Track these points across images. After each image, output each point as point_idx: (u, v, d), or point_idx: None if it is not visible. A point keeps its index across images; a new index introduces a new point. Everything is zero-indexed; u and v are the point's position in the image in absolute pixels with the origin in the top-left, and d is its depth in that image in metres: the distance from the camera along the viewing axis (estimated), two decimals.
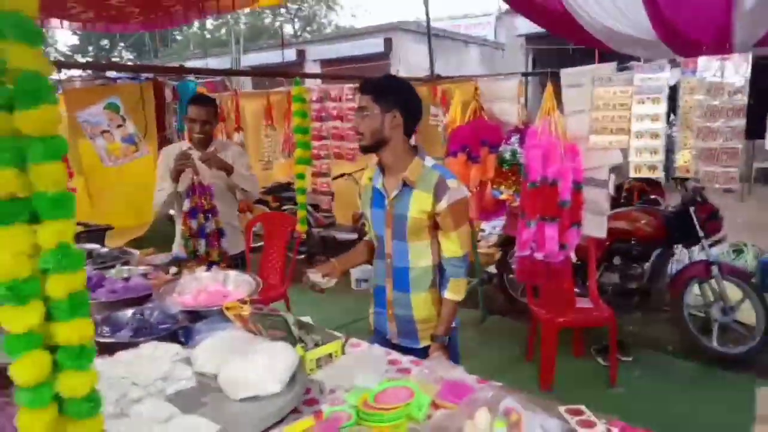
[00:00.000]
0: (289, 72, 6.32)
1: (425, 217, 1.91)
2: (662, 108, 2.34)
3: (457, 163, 3.16)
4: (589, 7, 3.21)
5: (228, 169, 2.76)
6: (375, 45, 15.05)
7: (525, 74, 3.67)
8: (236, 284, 2.32)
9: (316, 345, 1.85)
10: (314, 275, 2.05)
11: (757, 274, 4.58)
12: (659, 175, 2.36)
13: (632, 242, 3.98)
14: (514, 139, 3.47)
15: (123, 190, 4.13)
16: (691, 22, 2.94)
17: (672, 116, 2.35)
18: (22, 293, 0.89)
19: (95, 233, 3.92)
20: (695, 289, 3.80)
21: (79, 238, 3.36)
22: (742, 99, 2.15)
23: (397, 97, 1.90)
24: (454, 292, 1.96)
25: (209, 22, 23.22)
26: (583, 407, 1.53)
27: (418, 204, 1.90)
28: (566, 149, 2.64)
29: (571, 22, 3.42)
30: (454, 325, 2.05)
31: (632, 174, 2.44)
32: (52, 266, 0.90)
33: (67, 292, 0.92)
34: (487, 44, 17.05)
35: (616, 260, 4.05)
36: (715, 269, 3.63)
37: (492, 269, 5.01)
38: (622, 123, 2.43)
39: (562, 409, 1.51)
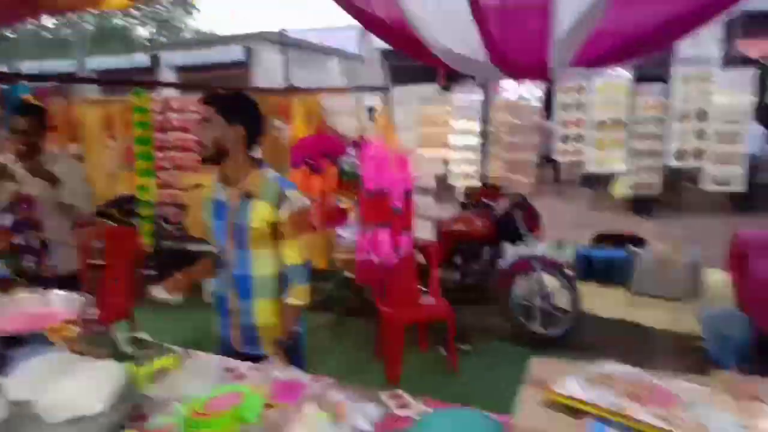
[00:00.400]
0: (144, 80, 5.99)
1: (266, 226, 1.97)
2: (475, 125, 2.67)
3: (301, 174, 3.29)
4: (432, 29, 3.47)
5: (53, 180, 2.60)
6: (235, 53, 14.71)
7: (359, 89, 3.88)
8: (63, 304, 2.20)
9: (151, 360, 1.85)
10: (158, 291, 2.05)
11: (572, 264, 5.29)
12: (474, 183, 2.69)
13: (469, 243, 4.40)
14: (353, 151, 3.68)
15: None
16: (516, 48, 3.33)
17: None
18: None
19: None
20: (521, 281, 4.30)
21: None
22: (537, 119, 2.54)
23: (241, 111, 1.98)
24: (296, 297, 2.04)
25: (50, 21, 20.96)
26: (401, 392, 1.72)
27: (259, 214, 1.96)
28: (397, 160, 2.91)
29: (417, 42, 3.67)
30: (299, 330, 2.14)
31: (452, 182, 2.76)
32: None
33: None
34: (348, 57, 17.39)
35: (456, 259, 4.46)
36: (536, 263, 4.16)
37: (348, 273, 5.20)
38: (444, 138, 2.73)
39: (382, 395, 1.68)
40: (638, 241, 5.65)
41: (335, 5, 2.62)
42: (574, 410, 1.23)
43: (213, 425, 1.43)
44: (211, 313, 2.23)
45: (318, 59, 16.26)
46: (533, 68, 3.17)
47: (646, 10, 2.76)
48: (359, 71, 16.99)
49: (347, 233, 5.92)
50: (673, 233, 6.24)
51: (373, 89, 4.43)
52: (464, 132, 2.70)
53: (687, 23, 2.93)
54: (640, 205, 8.70)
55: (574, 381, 1.30)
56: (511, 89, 2.63)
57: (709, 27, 3.24)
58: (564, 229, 6.52)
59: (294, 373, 1.79)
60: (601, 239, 5.88)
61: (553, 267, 4.25)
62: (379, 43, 15.18)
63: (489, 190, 4.66)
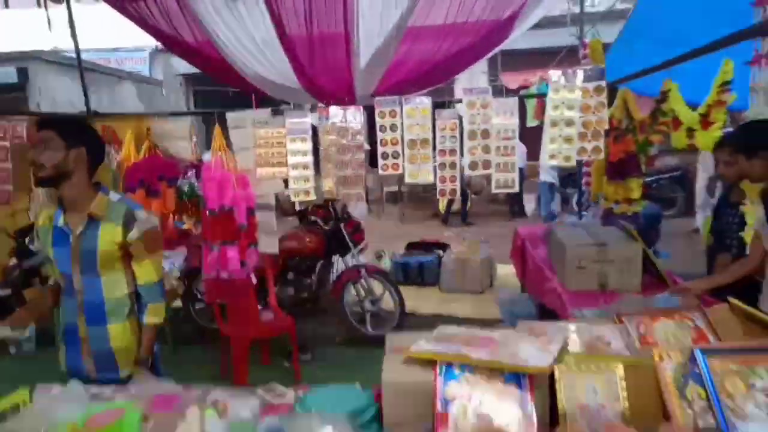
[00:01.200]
0: None
1: (116, 248, 1.98)
2: (308, 145, 2.96)
3: (137, 198, 3.21)
4: (243, 57, 3.63)
5: None
6: (6, 75, 12.85)
7: (192, 113, 3.87)
8: None
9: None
10: (2, 330, 1.94)
11: (392, 271, 5.88)
12: (312, 197, 2.98)
13: (301, 258, 4.66)
14: (191, 173, 3.69)
15: None
16: (325, 77, 3.67)
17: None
18: None
19: None
20: (351, 289, 4.68)
21: None
22: (361, 138, 2.92)
23: (82, 134, 1.98)
24: (154, 315, 2.08)
25: None
26: (276, 384, 1.90)
27: (108, 236, 1.96)
28: (238, 180, 3.05)
29: (229, 69, 3.79)
30: (155, 349, 2.16)
31: (292, 198, 3.01)
32: None
33: None
34: (145, 81, 16.40)
35: (290, 275, 4.67)
36: (363, 271, 4.57)
37: (177, 303, 5.04)
38: (281, 157, 2.97)
39: (258, 390, 1.84)
40: (442, 247, 6.49)
41: (118, 25, 2.65)
42: (427, 362, 1.55)
43: None
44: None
45: (110, 82, 15.05)
46: (341, 95, 3.55)
47: (433, 47, 3.35)
48: (157, 95, 16.17)
49: (168, 264, 5.73)
50: (467, 237, 7.26)
51: (192, 114, 4.43)
52: (298, 152, 2.96)
53: (465, 58, 3.63)
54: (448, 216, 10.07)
55: (423, 341, 1.64)
56: (337, 113, 2.98)
57: (479, 62, 4.02)
58: (380, 242, 7.16)
59: (167, 387, 1.85)
60: (413, 247, 6.64)
61: (378, 274, 4.71)
62: (179, 69, 14.72)
63: (316, 207, 4.98)
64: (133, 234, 1.99)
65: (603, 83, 2.90)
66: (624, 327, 1.97)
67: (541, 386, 1.46)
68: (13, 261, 4.70)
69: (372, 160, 3.27)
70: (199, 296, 4.77)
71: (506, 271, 5.95)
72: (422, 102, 2.96)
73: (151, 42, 17.09)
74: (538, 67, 9.98)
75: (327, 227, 4.87)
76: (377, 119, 2.95)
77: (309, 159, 2.94)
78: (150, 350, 2.09)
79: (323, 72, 3.51)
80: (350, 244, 4.66)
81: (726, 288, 2.39)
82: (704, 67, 2.92)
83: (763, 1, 2.26)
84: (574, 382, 1.48)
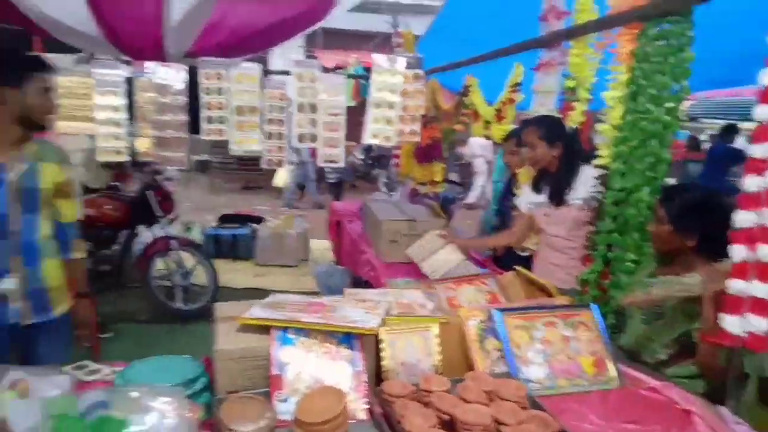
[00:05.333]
0: None
1: (54, 187, 2.00)
2: (122, 100, 2.68)
3: None
4: None
5: None
6: None
7: None
8: None
9: None
10: None
11: (204, 243, 5.63)
12: (124, 158, 2.71)
13: (100, 227, 4.19)
14: None
15: None
16: (131, 30, 3.33)
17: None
18: None
19: None
20: (159, 262, 4.37)
21: None
22: (183, 99, 2.74)
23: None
24: (79, 249, 2.17)
25: None
26: (87, 361, 1.75)
27: (49, 176, 1.98)
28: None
29: (10, 7, 3.21)
30: (66, 310, 2.12)
31: (100, 158, 2.69)
32: None
33: None
34: None
35: (87, 245, 4.16)
36: (174, 243, 4.30)
37: None
38: (87, 111, 2.63)
39: (67, 368, 1.67)
40: (257, 219, 6.40)
41: None
42: (261, 328, 1.57)
43: None
44: None
45: None
46: (149, 50, 3.28)
47: (253, 11, 3.26)
48: None
49: None
50: (279, 210, 7.29)
51: None
52: (108, 107, 2.65)
53: (286, 28, 3.61)
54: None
55: (257, 308, 1.66)
56: (156, 70, 2.73)
57: (297, 37, 4.03)
58: (189, 213, 6.78)
59: None
60: (226, 219, 6.41)
61: (189, 246, 4.48)
62: None
63: (118, 171, 4.52)
64: (68, 173, 2.05)
65: (421, 72, 3.15)
66: (434, 292, 2.23)
67: (368, 346, 1.59)
68: None
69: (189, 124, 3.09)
70: None
71: (318, 245, 6.13)
72: (251, 68, 2.88)
73: None
74: (353, 49, 10.28)
75: (132, 194, 4.46)
76: (202, 80, 2.79)
77: (121, 116, 2.65)
78: (84, 277, 2.19)
79: (127, 22, 3.20)
80: (158, 213, 4.33)
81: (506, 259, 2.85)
82: (500, 69, 3.36)
83: (546, 17, 2.69)
84: (396, 341, 1.65)
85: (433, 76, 4.35)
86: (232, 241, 5.92)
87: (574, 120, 2.49)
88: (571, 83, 2.50)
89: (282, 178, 8.97)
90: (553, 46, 2.60)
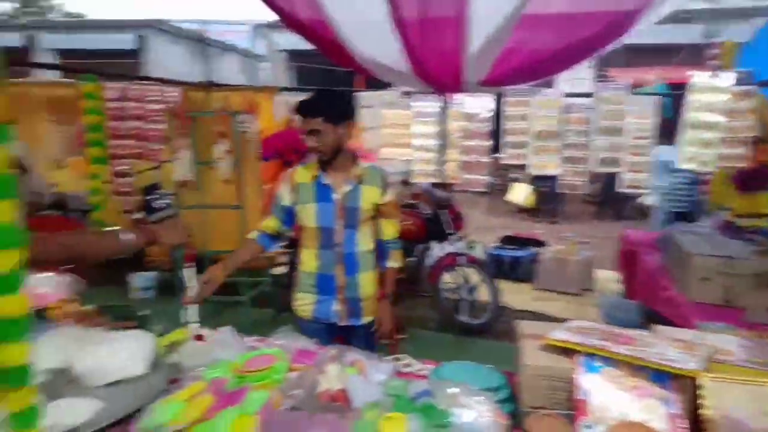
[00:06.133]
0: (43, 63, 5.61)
1: (372, 207, 2.25)
2: (434, 129, 3.02)
3: (273, 167, 3.42)
4: (354, 36, 3.66)
5: (22, 169, 2.53)
6: (125, 41, 13.88)
7: (324, 91, 3.92)
8: (51, 286, 2.19)
9: (162, 334, 1.95)
10: (193, 287, 2.02)
11: (484, 263, 5.84)
12: (433, 181, 3.04)
13: (400, 240, 4.74)
14: None
15: None
16: (433, 61, 3.64)
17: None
18: None
19: None
20: (447, 276, 4.72)
21: None
22: (488, 126, 2.94)
23: (345, 108, 2.22)
24: (394, 260, 2.39)
25: None
26: (403, 355, 2.00)
27: (369, 197, 2.24)
28: (364, 158, 3.16)
29: (339, 48, 3.82)
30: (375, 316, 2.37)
31: (414, 180, 3.09)
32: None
33: (8, 267, 0.97)
34: (247, 54, 17.08)
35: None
36: (461, 259, 4.60)
37: (281, 270, 5.32)
38: (405, 139, 3.06)
39: (388, 358, 1.94)
40: (538, 243, 6.38)
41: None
42: (564, 350, 1.57)
43: (259, 379, 1.60)
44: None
45: (215, 54, 15.79)
46: (449, 82, 3.51)
47: (548, 37, 3.23)
48: (258, 70, 16.81)
49: None
50: (560, 236, 7.08)
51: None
52: (423, 135, 3.03)
53: (581, 51, 3.48)
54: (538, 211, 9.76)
55: (563, 331, 1.66)
56: (465, 100, 3.01)
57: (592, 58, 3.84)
58: (470, 233, 7.14)
59: (304, 343, 1.99)
60: (507, 240, 6.57)
61: (475, 263, 4.72)
62: (283, 44, 15.18)
63: (416, 192, 5.06)
64: (387, 196, 2.29)
65: (754, 88, 2.73)
66: (761, 342, 1.89)
67: (686, 390, 1.44)
68: (138, 216, 5.13)
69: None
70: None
71: (605, 275, 5.77)
72: (554, 93, 2.92)
73: (253, 16, 17.71)
74: (649, 65, 9.42)
75: (427, 212, 4.93)
76: (506, 108, 2.94)
77: (433, 142, 3.00)
78: (393, 289, 2.37)
79: (432, 56, 3.48)
80: (449, 230, 4.69)
81: None
82: None
83: None
84: (722, 392, 1.45)
85: (762, 90, 3.72)
86: (512, 263, 6.01)
87: None
88: None
89: (519, 194, 8.61)
90: None
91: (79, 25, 16.34)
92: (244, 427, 1.38)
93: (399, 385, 1.51)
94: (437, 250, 4.89)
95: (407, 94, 3.18)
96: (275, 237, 2.39)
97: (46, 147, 4.13)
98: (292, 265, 5.08)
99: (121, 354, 1.64)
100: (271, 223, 2.36)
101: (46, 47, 13.84)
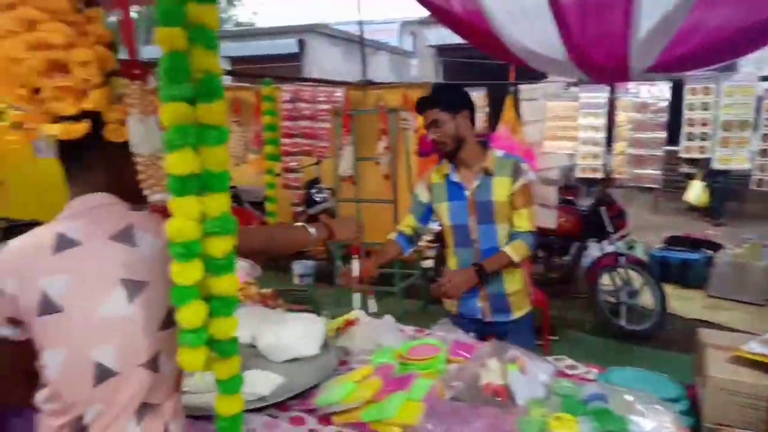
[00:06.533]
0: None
1: (507, 199, 2.12)
2: (602, 121, 2.85)
3: (430, 162, 3.50)
4: (511, 30, 3.56)
5: None
6: (288, 45, 14.99)
7: (486, 84, 3.95)
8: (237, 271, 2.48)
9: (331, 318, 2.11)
10: (357, 277, 2.10)
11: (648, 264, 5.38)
12: (599, 175, 2.88)
13: (554, 237, 4.56)
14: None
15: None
16: (595, 48, 3.41)
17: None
18: (192, 252, 1.08)
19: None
20: (605, 277, 4.43)
21: None
22: (664, 116, 2.70)
23: (460, 98, 2.16)
24: (514, 249, 2.12)
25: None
26: (565, 356, 1.93)
27: (501, 189, 2.12)
28: (524, 152, 3.11)
29: (495, 40, 3.75)
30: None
31: (578, 175, 2.95)
32: (216, 230, 1.10)
33: (223, 252, 1.12)
34: (396, 52, 17.50)
35: (540, 253, 4.62)
36: (622, 260, 4.29)
37: (428, 263, 5.43)
38: (569, 132, 2.92)
39: (549, 358, 1.89)
40: (711, 245, 5.69)
41: None
42: (758, 365, 1.41)
43: (425, 367, 1.67)
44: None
45: (368, 53, 16.35)
46: (613, 69, 3.23)
47: (728, 16, 2.83)
48: (408, 67, 17.17)
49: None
50: (740, 238, 6.23)
51: (486, 85, 4.53)
52: (590, 127, 2.87)
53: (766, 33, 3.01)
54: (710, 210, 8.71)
55: (757, 344, 1.49)
56: (638, 89, 2.79)
57: None
58: (630, 231, 6.61)
59: (462, 336, 2.02)
60: (674, 241, 5.95)
61: (637, 265, 4.38)
62: (432, 40, 15.33)
63: (570, 186, 4.82)
64: (517, 185, 2.12)
65: None
66: None
67: None
68: (301, 209, 5.56)
69: None
70: None
71: None
72: (746, 79, 2.58)
73: (400, 15, 18.00)
74: None
75: (584, 208, 4.67)
76: (687, 96, 2.67)
77: (600, 135, 2.83)
78: (493, 266, 2.13)
79: (594, 42, 3.28)
80: (610, 228, 4.39)
81: None
82: None
83: None
84: None
85: None
86: (680, 266, 5.45)
87: None
88: None
89: (696, 193, 7.51)
90: None
91: (248, 33, 18.02)
92: (411, 412, 1.44)
93: (568, 387, 1.47)
94: (595, 249, 4.62)
95: (573, 84, 3.04)
96: (412, 238, 2.37)
97: (230, 146, 4.62)
98: (439, 258, 5.17)
99: (297, 334, 1.81)
100: (409, 222, 2.35)
101: (222, 55, 15.44)
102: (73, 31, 1.15)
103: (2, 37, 1.13)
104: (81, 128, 1.14)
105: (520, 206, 2.13)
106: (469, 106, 2.17)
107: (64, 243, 1.13)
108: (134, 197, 1.27)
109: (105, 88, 1.20)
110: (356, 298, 2.16)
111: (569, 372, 1.82)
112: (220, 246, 1.12)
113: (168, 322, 1.17)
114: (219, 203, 1.11)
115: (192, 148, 1.07)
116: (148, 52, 14.71)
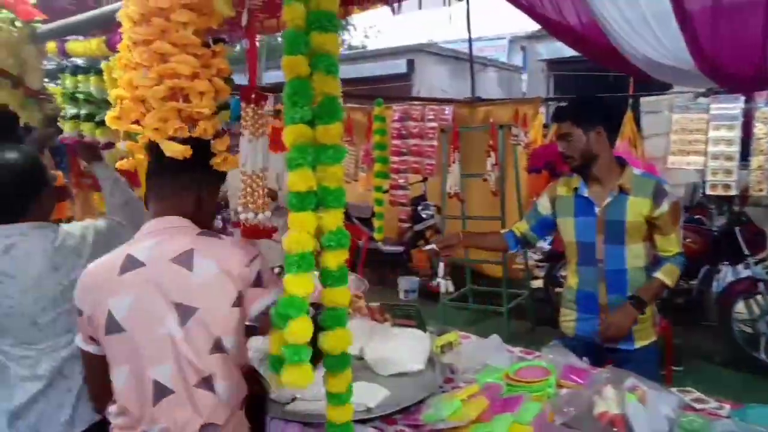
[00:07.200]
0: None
1: (642, 220, 2.01)
2: (736, 134, 2.61)
3: (541, 178, 3.42)
4: (630, 38, 3.36)
5: None
6: (397, 66, 15.35)
7: (602, 97, 3.72)
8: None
9: (437, 335, 2.11)
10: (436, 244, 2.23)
11: None
12: (733, 193, 2.62)
13: None
14: None
15: None
16: (727, 56, 3.11)
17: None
18: (306, 263, 1.13)
19: None
20: (741, 304, 4.00)
21: None
22: None
23: (596, 113, 2.09)
24: (666, 274, 2.03)
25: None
26: (690, 388, 1.77)
27: (636, 209, 2.00)
28: (645, 168, 2.91)
29: (612, 51, 3.55)
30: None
31: (708, 192, 2.71)
32: (332, 244, 1.16)
33: (337, 264, 1.18)
34: (504, 67, 17.28)
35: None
36: (761, 286, 3.85)
37: (538, 283, 5.24)
38: (698, 146, 2.70)
39: (673, 389, 1.75)
40: None
41: (481, 15, 2.63)
42: None
43: (533, 390, 1.62)
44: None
45: (476, 70, 16.24)
46: (747, 78, 2.92)
47: None
48: (516, 82, 16.86)
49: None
50: None
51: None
52: (722, 141, 2.64)
53: None
54: None
55: None
56: None
57: None
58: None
59: (574, 360, 1.92)
60: None
61: None
62: (543, 54, 14.93)
63: (699, 205, 4.43)
64: (663, 207, 1.99)
65: None
66: None
67: None
68: (408, 225, 5.64)
69: None
70: (561, 279, 4.83)
71: None
72: None
73: (509, 30, 17.77)
74: None
75: (715, 229, 4.26)
76: None
77: (734, 149, 2.59)
78: (650, 297, 2.04)
79: (726, 49, 3.02)
80: (746, 251, 3.96)
81: None
82: None
83: None
84: None
85: None
86: None
87: None
88: None
89: None
90: None
91: (360, 55, 18.71)
92: None
93: (698, 422, 1.35)
94: (729, 273, 4.19)
95: (703, 95, 2.80)
96: (521, 240, 2.30)
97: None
98: (548, 278, 4.97)
99: (404, 349, 1.84)
100: (521, 226, 2.30)
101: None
102: (198, 63, 1.28)
103: (132, 69, 1.28)
104: (186, 150, 1.22)
105: (669, 230, 2.02)
106: (607, 122, 2.07)
107: (130, 264, 1.20)
108: (206, 222, 1.32)
109: (214, 119, 1.31)
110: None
111: (697, 406, 1.67)
112: (335, 259, 1.17)
113: (219, 347, 1.20)
114: (334, 218, 1.17)
115: (310, 167, 1.14)
116: (268, 77, 15.83)
